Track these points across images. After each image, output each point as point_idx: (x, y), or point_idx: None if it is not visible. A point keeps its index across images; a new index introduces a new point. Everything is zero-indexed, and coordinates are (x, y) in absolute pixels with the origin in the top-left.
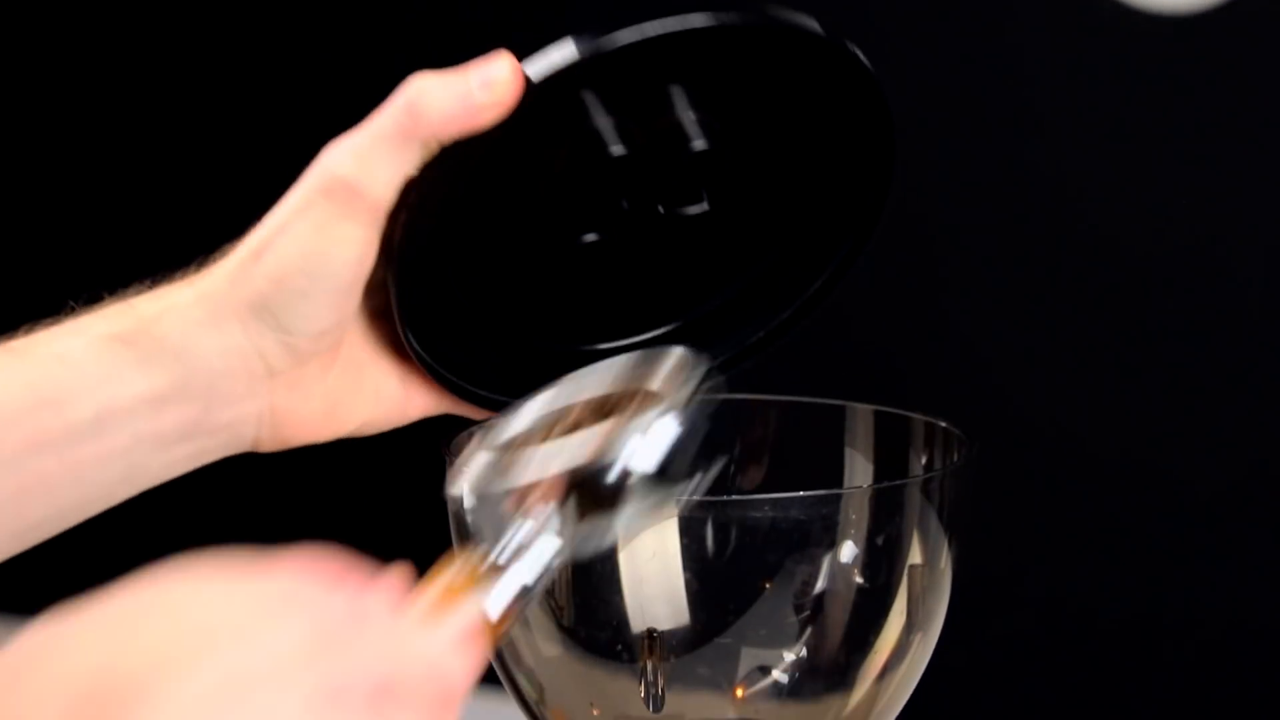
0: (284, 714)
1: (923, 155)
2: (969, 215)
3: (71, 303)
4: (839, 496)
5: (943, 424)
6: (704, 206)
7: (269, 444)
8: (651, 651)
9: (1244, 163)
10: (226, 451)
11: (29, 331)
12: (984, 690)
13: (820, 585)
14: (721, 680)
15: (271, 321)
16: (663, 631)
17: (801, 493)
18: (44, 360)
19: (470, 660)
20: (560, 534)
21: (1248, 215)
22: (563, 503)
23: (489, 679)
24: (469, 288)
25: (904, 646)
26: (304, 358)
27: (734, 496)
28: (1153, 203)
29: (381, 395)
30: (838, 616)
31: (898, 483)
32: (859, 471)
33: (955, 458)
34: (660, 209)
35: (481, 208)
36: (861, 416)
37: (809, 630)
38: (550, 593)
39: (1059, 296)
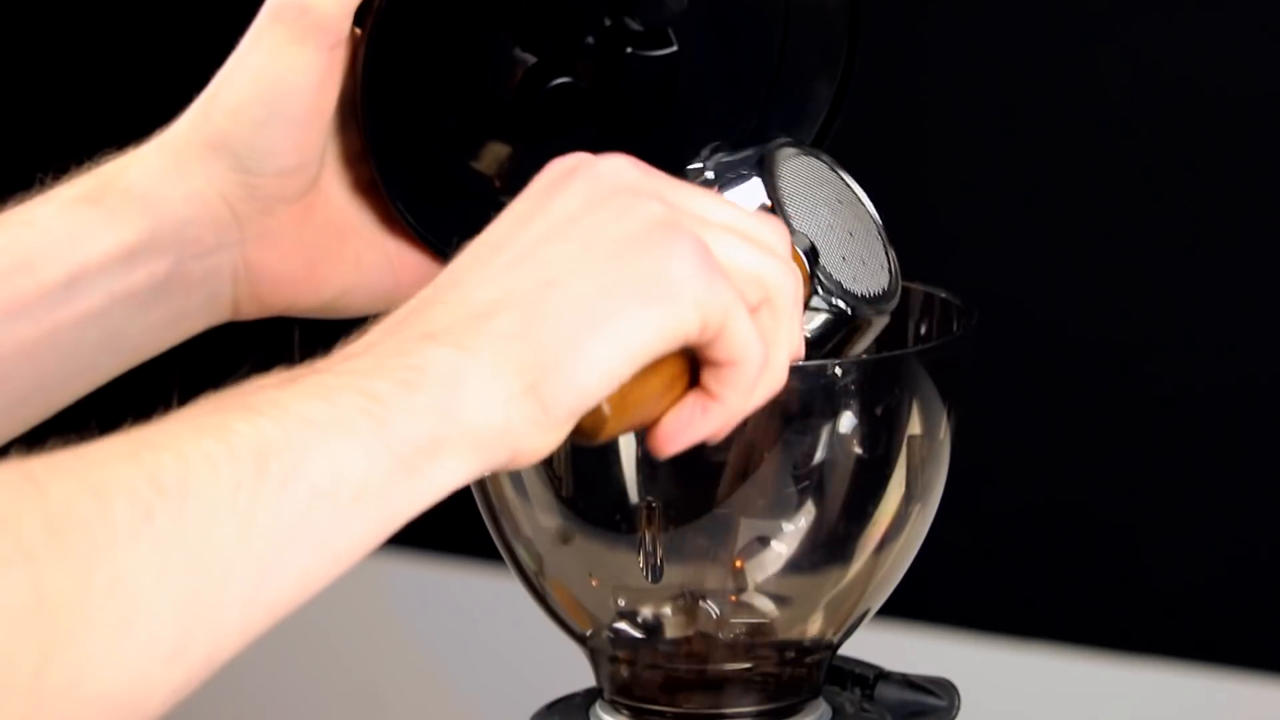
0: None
1: (921, 27)
2: (971, 84)
3: (40, 176)
4: (838, 366)
5: (942, 294)
6: (672, 49)
7: (249, 306)
8: (650, 522)
9: (1254, 37)
10: (208, 315)
11: None
12: (982, 563)
13: (819, 456)
14: (720, 551)
15: (231, 160)
16: (661, 502)
17: (800, 362)
18: (13, 227)
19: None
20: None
21: (1259, 90)
22: None
23: (489, 552)
24: (444, 139)
25: (903, 517)
26: (269, 204)
27: None
28: (1167, 72)
29: (363, 264)
30: (837, 487)
31: (897, 353)
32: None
33: (955, 328)
34: (629, 50)
35: (445, 47)
36: None
37: (808, 501)
38: (549, 463)
39: (1062, 168)
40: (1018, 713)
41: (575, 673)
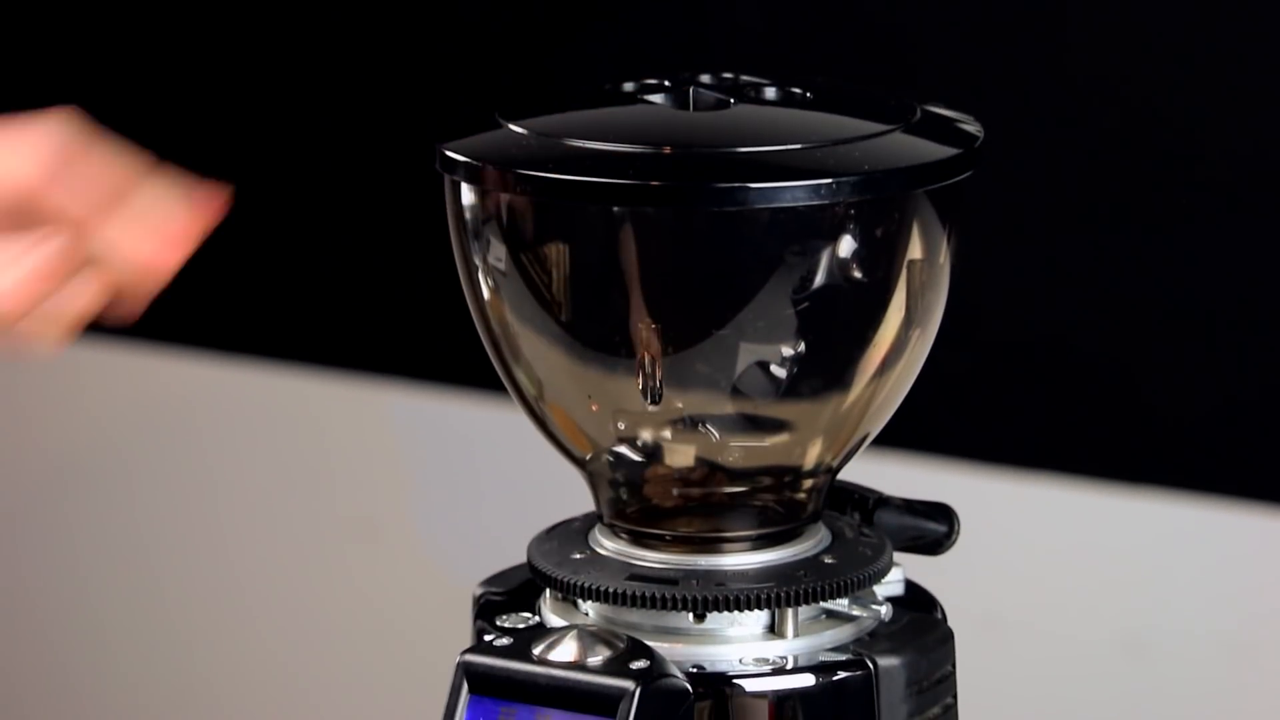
0: None
1: None
2: None
3: None
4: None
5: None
6: None
7: None
8: (649, 345)
9: None
10: None
11: None
12: (983, 392)
13: (819, 280)
14: (719, 376)
15: None
16: (661, 324)
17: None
18: None
19: None
20: None
21: None
22: None
23: (490, 382)
24: None
25: (902, 342)
26: None
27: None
28: None
29: None
30: (836, 311)
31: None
32: None
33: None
34: None
35: None
36: None
37: (807, 325)
38: (548, 288)
39: None
40: (1017, 542)
41: (575, 498)
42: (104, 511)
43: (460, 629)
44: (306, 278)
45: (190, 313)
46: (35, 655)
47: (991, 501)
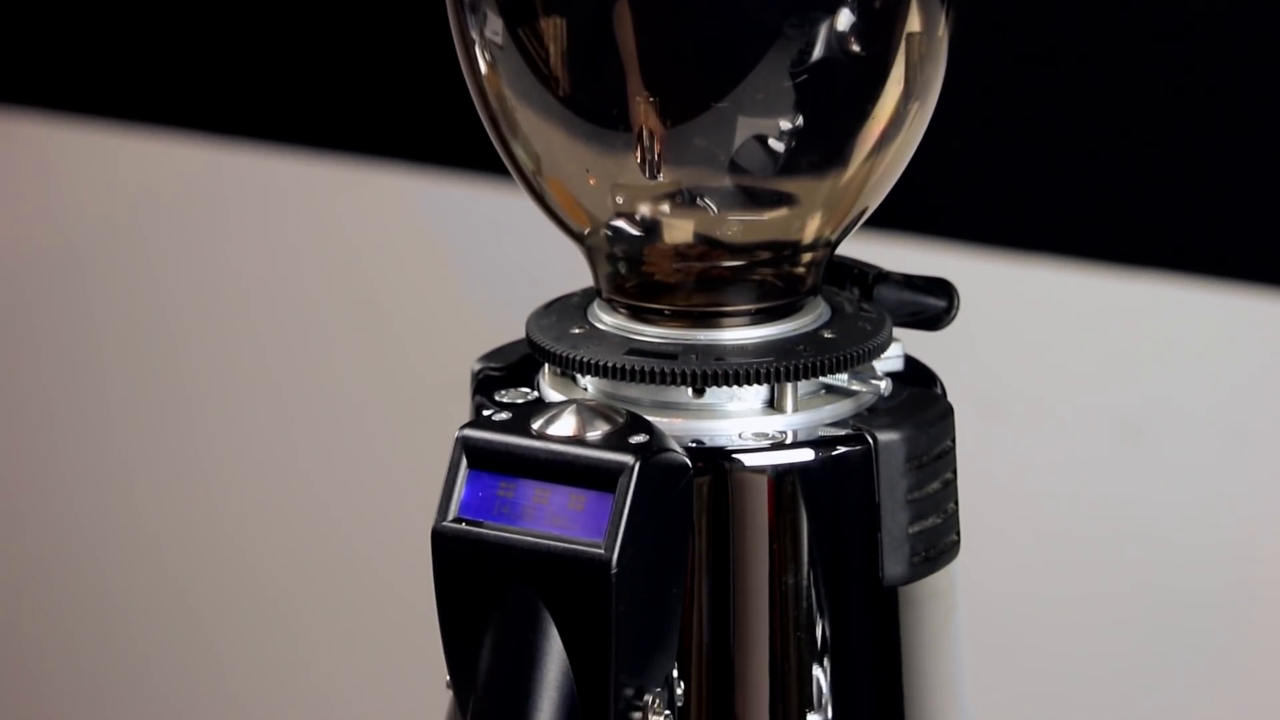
0: None
1: None
2: None
3: None
4: None
5: None
6: None
7: None
8: (648, 117)
9: None
10: None
11: None
12: (981, 170)
13: (817, 52)
14: (717, 150)
15: None
16: (659, 98)
17: None
18: None
19: None
20: None
21: None
22: None
23: (490, 164)
24: None
25: (901, 116)
26: None
27: None
28: None
29: None
30: (834, 84)
31: None
32: None
33: None
34: None
35: None
36: None
37: (805, 98)
38: (545, 61)
39: None
40: (1017, 322)
41: (574, 275)
42: (99, 296)
43: (459, 405)
44: (302, 58)
45: (185, 95)
46: (33, 429)
47: (992, 282)
